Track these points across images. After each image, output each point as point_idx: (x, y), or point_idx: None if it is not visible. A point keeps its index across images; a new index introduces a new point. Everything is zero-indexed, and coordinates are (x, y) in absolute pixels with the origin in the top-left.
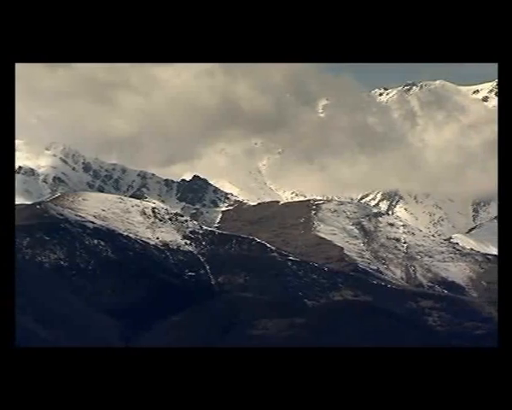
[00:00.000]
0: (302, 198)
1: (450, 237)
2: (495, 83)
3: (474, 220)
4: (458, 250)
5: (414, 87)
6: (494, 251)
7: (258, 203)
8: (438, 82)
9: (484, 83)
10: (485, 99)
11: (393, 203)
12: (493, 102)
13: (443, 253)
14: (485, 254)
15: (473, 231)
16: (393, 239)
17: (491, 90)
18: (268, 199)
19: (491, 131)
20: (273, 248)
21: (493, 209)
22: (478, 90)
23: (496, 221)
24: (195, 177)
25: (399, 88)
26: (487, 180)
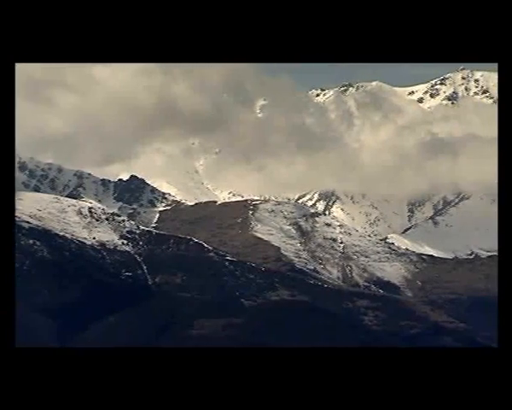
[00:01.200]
0: (239, 198)
1: (386, 237)
2: (430, 84)
3: (409, 221)
4: (394, 250)
5: (350, 88)
6: (429, 251)
7: (196, 203)
8: (374, 83)
9: (419, 84)
10: (421, 100)
11: (330, 203)
12: (428, 103)
13: (379, 253)
14: (419, 254)
15: (408, 232)
16: (330, 239)
17: (425, 92)
18: (205, 199)
19: (426, 131)
20: (210, 248)
21: (428, 210)
22: (413, 92)
23: (430, 221)
24: (133, 177)
25: (336, 89)
26: (422, 181)
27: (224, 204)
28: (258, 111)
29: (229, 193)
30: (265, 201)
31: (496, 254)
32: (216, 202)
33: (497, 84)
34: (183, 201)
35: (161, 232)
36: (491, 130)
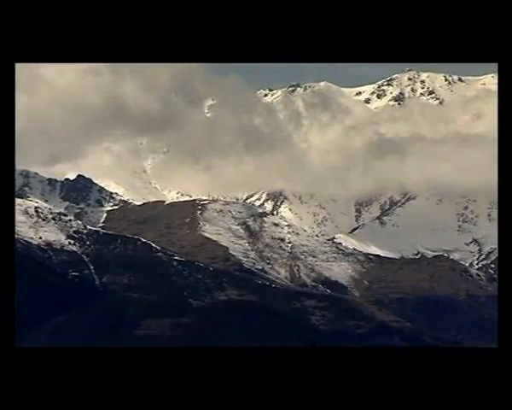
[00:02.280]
0: (188, 198)
1: (334, 237)
2: (376, 85)
3: (356, 221)
4: (341, 250)
5: (298, 88)
6: (375, 251)
7: (144, 203)
8: (322, 83)
9: (366, 85)
10: (368, 101)
11: (278, 203)
12: (375, 103)
13: (326, 253)
14: (366, 254)
15: (355, 232)
16: (278, 239)
17: (372, 92)
18: (153, 199)
19: (374, 132)
20: (158, 248)
21: (375, 210)
22: (360, 92)
23: (377, 221)
24: (80, 176)
25: (284, 89)
26: (369, 181)
27: (172, 204)
28: (206, 111)
29: (178, 193)
30: (214, 201)
31: (441, 253)
32: (164, 201)
33: (442, 85)
34: (131, 200)
35: (109, 232)
36: (436, 131)
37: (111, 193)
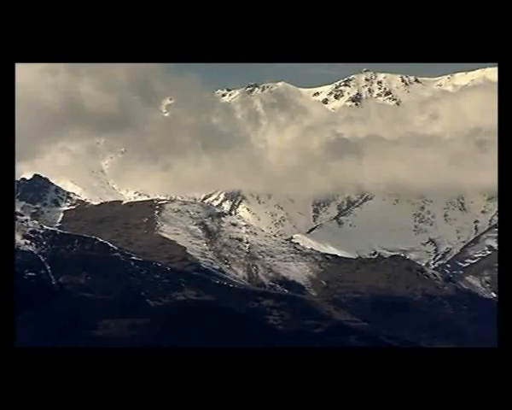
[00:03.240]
0: (145, 198)
1: (292, 237)
2: (334, 86)
3: (314, 221)
4: (299, 250)
5: (256, 89)
6: (333, 251)
7: (101, 203)
8: (280, 84)
9: (323, 85)
10: (325, 101)
11: (236, 203)
12: (333, 104)
13: (284, 253)
14: (324, 254)
15: (313, 232)
16: (236, 239)
17: (330, 93)
18: (111, 199)
19: (331, 132)
20: (116, 247)
21: (333, 210)
22: (318, 93)
23: (335, 221)
24: (36, 176)
25: (242, 89)
26: (327, 181)
27: (130, 204)
28: (164, 110)
29: (135, 193)
30: (171, 200)
31: (398, 253)
32: (121, 201)
33: (399, 86)
34: (88, 200)
35: (65, 232)
36: (393, 131)
37: (68, 193)
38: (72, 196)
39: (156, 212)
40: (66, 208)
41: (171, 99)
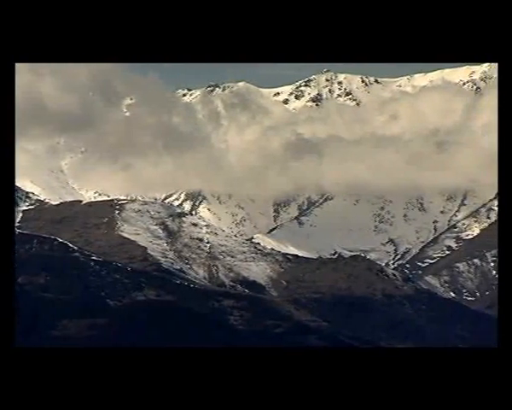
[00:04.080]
0: (105, 198)
1: (252, 237)
2: (294, 86)
3: (274, 221)
4: (259, 250)
5: (217, 89)
6: (293, 251)
7: (61, 203)
8: (240, 84)
9: (284, 86)
10: (286, 102)
11: (197, 203)
12: (293, 104)
13: (245, 253)
14: (284, 254)
15: (273, 232)
16: (197, 239)
17: (291, 93)
18: (70, 198)
19: (292, 132)
20: (75, 248)
21: (293, 210)
22: (278, 93)
23: (295, 221)
24: None
25: (202, 89)
26: (287, 181)
27: (90, 204)
28: (125, 110)
29: (95, 193)
30: (132, 200)
31: (358, 253)
32: (81, 201)
33: (359, 87)
34: (48, 200)
35: (25, 232)
36: (353, 131)
37: (27, 193)
38: (31, 195)
39: (116, 212)
40: (25, 208)
41: (131, 99)
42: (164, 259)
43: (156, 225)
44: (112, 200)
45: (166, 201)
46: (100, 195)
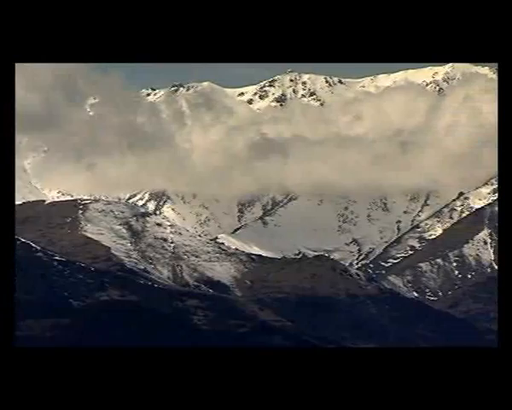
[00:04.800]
0: (69, 198)
1: (216, 237)
2: (259, 86)
3: (239, 221)
4: (224, 250)
5: (181, 88)
6: (258, 251)
7: (23, 202)
8: (205, 84)
9: (248, 86)
10: (250, 102)
11: (161, 203)
12: (258, 104)
13: (209, 252)
14: (249, 254)
15: (238, 232)
16: (161, 239)
17: (255, 93)
18: (33, 198)
19: (256, 132)
20: (38, 247)
21: (257, 210)
22: (243, 93)
23: (259, 221)
24: None
25: (167, 89)
26: (252, 181)
27: (53, 203)
28: (88, 110)
29: (59, 192)
30: (95, 200)
31: (322, 253)
32: (44, 201)
33: (323, 87)
34: None
35: None
36: (317, 132)
37: None
38: None
39: (80, 212)
40: None
41: (95, 98)
42: (128, 259)
43: (120, 224)
44: (75, 200)
45: (130, 201)
46: (63, 194)
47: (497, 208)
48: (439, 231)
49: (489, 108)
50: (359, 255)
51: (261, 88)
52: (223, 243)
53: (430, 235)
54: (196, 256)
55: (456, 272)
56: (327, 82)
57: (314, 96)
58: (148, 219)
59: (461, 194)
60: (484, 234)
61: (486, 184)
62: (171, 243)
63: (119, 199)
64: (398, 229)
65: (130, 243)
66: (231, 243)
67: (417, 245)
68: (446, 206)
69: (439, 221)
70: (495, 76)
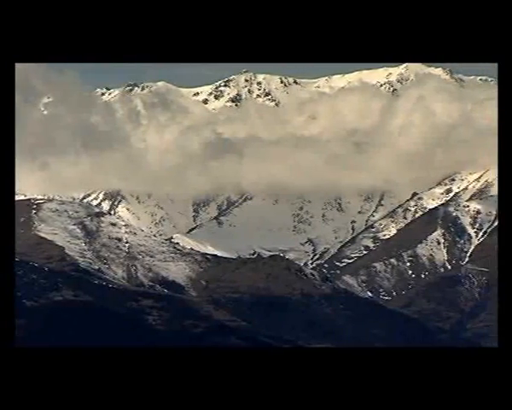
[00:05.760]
0: (22, 197)
1: (171, 237)
2: (214, 86)
3: (194, 221)
4: (179, 250)
5: (136, 88)
6: (213, 251)
7: None
8: (160, 83)
9: (203, 86)
10: (205, 101)
11: (115, 203)
12: (213, 104)
13: (164, 252)
14: (204, 254)
15: (193, 232)
16: (115, 239)
17: (210, 93)
18: None
19: (211, 132)
20: None
21: (213, 210)
22: (198, 93)
23: (215, 221)
24: None
25: (121, 88)
26: (207, 181)
27: None
28: (42, 109)
29: None
30: (49, 200)
31: (277, 253)
32: None
33: (278, 87)
34: None
35: None
36: (272, 132)
37: None
38: None
39: (33, 211)
40: None
41: (49, 97)
42: (82, 259)
43: (74, 224)
44: (29, 199)
45: (85, 200)
46: (16, 194)
47: (450, 209)
48: (393, 231)
49: (442, 109)
50: (314, 255)
51: (216, 88)
52: (178, 243)
53: (384, 235)
54: (151, 256)
55: (410, 272)
56: (282, 82)
57: (269, 97)
58: (102, 218)
59: (414, 194)
60: (437, 234)
61: (440, 184)
62: (126, 242)
63: (74, 199)
64: (353, 229)
65: (85, 242)
66: (186, 242)
67: (371, 245)
68: (400, 206)
69: (393, 221)
70: (448, 77)
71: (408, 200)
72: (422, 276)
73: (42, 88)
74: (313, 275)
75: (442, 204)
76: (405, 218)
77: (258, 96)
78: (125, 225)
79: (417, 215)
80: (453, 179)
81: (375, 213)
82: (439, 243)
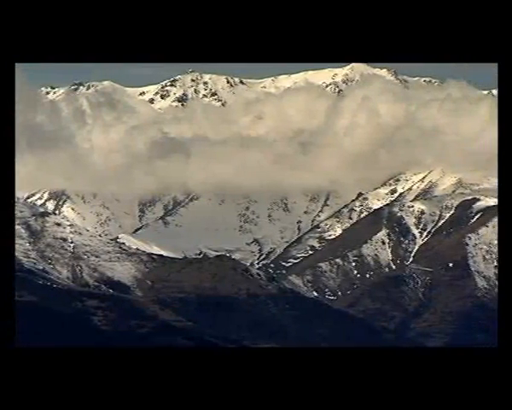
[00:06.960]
0: None
1: (117, 237)
2: (160, 86)
3: (140, 221)
4: (124, 250)
5: (81, 87)
6: (159, 251)
7: None
8: (106, 83)
9: (149, 85)
10: (152, 101)
11: (60, 203)
12: (159, 104)
13: (109, 252)
14: (149, 254)
15: (139, 232)
16: (60, 239)
17: (156, 93)
18: None
19: (157, 131)
20: None
21: (158, 210)
22: (144, 92)
23: (161, 221)
24: None
25: (67, 87)
26: (153, 181)
27: None
28: None
29: None
30: None
31: (223, 253)
32: None
33: (224, 87)
34: None
35: None
36: (219, 132)
37: None
38: None
39: None
40: None
41: None
42: (26, 259)
43: (18, 224)
44: None
45: (29, 200)
46: None
47: (394, 209)
48: (339, 232)
49: (386, 109)
50: (260, 255)
51: (162, 88)
52: (123, 243)
53: (330, 235)
54: (96, 256)
55: (355, 272)
56: (228, 82)
57: (215, 97)
58: (47, 218)
59: (360, 194)
60: (382, 234)
61: (384, 184)
62: (71, 242)
63: (18, 198)
64: (299, 229)
65: (29, 242)
66: (132, 242)
67: (317, 245)
68: (346, 206)
69: (338, 221)
70: (392, 78)
71: (353, 200)
72: (367, 276)
73: None
74: (259, 275)
75: (387, 204)
76: (351, 218)
77: (205, 95)
78: (70, 225)
79: (362, 215)
80: (398, 180)
81: (320, 214)
82: (383, 243)
